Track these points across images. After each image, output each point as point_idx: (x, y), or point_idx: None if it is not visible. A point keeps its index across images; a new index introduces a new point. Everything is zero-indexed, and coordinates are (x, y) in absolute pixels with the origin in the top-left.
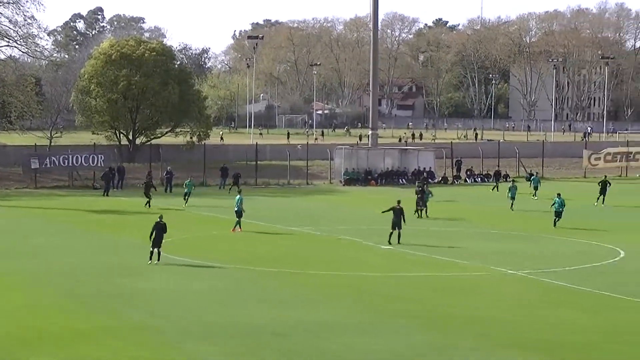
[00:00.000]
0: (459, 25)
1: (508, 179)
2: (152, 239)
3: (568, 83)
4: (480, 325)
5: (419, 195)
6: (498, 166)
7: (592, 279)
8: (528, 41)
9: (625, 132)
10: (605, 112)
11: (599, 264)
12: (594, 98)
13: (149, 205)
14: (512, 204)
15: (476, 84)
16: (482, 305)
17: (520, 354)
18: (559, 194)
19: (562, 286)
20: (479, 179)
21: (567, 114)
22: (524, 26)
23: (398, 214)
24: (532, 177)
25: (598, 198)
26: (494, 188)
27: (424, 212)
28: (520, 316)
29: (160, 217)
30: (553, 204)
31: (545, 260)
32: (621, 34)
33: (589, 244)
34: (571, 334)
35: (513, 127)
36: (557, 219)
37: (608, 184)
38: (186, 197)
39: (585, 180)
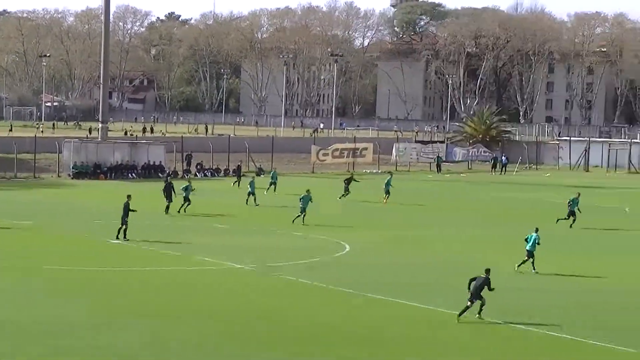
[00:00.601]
0: (191, 19)
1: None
2: None
3: (298, 79)
4: (204, 320)
5: (166, 190)
6: (229, 160)
7: (315, 272)
8: (259, 37)
9: (357, 128)
10: (334, 108)
11: (324, 258)
12: (323, 95)
13: None
14: (254, 199)
15: (208, 79)
16: (206, 299)
17: (241, 346)
18: (308, 190)
19: (286, 279)
20: (209, 173)
21: (297, 110)
22: (255, 22)
23: (126, 209)
24: (272, 172)
25: (343, 195)
26: (234, 183)
27: (183, 207)
28: (242, 309)
29: None
30: (301, 200)
31: (274, 255)
32: (350, 32)
33: (319, 239)
34: (285, 324)
35: (243, 121)
36: (301, 215)
37: (353, 180)
38: None
39: (313, 176)
